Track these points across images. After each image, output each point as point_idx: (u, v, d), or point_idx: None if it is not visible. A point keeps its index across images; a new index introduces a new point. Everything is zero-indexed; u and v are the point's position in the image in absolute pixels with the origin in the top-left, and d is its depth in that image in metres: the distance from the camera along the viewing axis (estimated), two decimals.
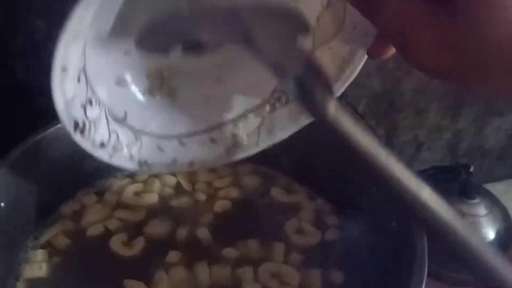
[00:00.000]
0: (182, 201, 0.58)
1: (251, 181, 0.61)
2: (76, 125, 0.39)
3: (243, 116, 0.49)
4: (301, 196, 0.59)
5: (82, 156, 0.53)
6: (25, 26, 0.60)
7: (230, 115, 0.49)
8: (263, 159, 0.59)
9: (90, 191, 0.58)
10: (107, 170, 0.59)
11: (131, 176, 0.60)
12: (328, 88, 0.35)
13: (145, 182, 0.60)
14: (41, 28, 0.60)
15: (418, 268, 0.42)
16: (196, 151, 0.48)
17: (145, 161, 0.47)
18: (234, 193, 0.59)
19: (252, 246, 0.52)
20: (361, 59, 0.43)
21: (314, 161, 0.59)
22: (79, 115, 0.39)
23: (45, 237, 0.52)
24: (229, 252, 0.51)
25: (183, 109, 0.48)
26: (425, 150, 0.93)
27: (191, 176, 0.60)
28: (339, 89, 0.45)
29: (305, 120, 0.47)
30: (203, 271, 0.49)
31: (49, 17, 0.60)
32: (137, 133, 0.46)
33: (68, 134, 0.39)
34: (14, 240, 0.50)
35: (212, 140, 0.49)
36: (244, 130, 0.49)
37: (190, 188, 0.59)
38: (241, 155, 0.49)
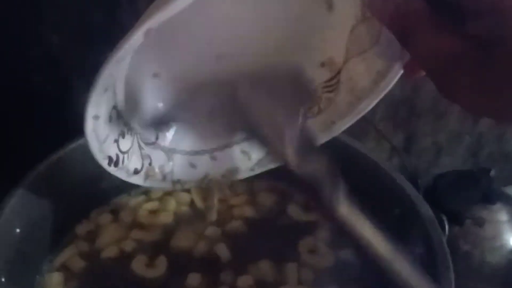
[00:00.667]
0: (196, 220, 0.57)
1: (267, 198, 0.59)
2: (110, 160, 0.40)
3: None
4: (319, 214, 0.58)
5: (100, 175, 0.54)
6: (40, 41, 0.60)
7: None
8: (280, 175, 0.59)
9: (105, 209, 0.58)
10: (121, 187, 0.58)
11: (146, 193, 0.60)
12: (337, 185, 0.34)
13: (160, 199, 0.59)
14: (55, 42, 0.60)
15: None
16: (228, 164, 0.49)
17: (178, 180, 0.48)
18: (249, 211, 0.58)
19: (265, 268, 0.51)
20: (397, 74, 0.42)
21: None
22: (112, 151, 0.40)
23: (60, 260, 0.52)
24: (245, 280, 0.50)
25: (215, 124, 0.48)
26: (445, 155, 0.91)
27: (205, 193, 0.59)
28: (373, 101, 0.44)
29: (337, 129, 0.46)
30: None
31: (64, 30, 0.59)
32: (169, 152, 0.47)
33: (103, 167, 0.39)
34: (30, 264, 0.50)
35: (244, 152, 0.49)
36: None
37: (203, 206, 0.58)
38: (272, 165, 0.49)
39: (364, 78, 0.43)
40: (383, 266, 0.35)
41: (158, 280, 0.50)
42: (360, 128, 0.78)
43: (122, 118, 0.41)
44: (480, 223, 0.74)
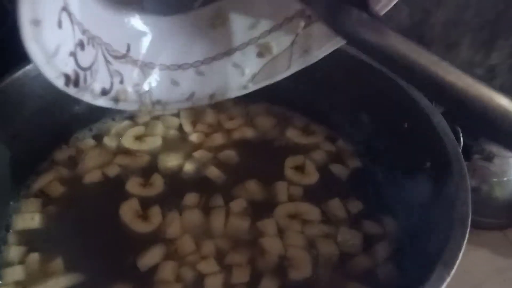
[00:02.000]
0: (186, 145, 0.52)
1: (265, 122, 0.55)
2: (67, 79, 0.32)
3: (271, 33, 0.41)
4: (320, 137, 0.53)
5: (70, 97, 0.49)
6: None
7: (255, 32, 0.41)
8: (278, 98, 0.54)
9: (87, 135, 0.53)
10: (104, 111, 0.53)
11: (131, 118, 0.55)
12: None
13: (146, 124, 0.54)
14: None
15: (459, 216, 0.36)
16: (217, 80, 0.42)
17: (158, 100, 0.41)
18: (246, 134, 0.54)
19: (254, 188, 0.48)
20: None
21: (333, 99, 0.52)
22: (68, 66, 0.32)
23: (37, 185, 0.48)
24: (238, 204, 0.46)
25: (199, 31, 0.41)
26: None
27: (195, 116, 0.55)
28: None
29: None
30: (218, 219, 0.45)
31: None
32: (145, 68, 0.40)
33: (59, 88, 0.32)
34: (3, 189, 0.45)
35: (235, 65, 0.42)
36: (273, 50, 0.42)
37: (191, 130, 0.54)
38: (269, 81, 0.43)
39: None
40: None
41: (154, 199, 0.47)
42: None
43: (80, 24, 0.33)
44: (489, 158, 0.70)
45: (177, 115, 0.55)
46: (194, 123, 0.54)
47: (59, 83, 0.32)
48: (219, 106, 0.55)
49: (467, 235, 0.35)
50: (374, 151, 0.50)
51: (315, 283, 0.41)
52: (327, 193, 0.48)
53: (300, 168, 0.50)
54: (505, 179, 0.69)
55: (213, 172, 0.49)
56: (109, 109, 0.52)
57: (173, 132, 0.53)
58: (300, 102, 0.54)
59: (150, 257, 0.42)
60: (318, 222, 0.46)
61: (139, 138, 0.53)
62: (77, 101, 0.49)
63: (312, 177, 0.49)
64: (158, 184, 0.48)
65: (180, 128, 0.54)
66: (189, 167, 0.50)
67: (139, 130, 0.53)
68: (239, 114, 0.55)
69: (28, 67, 0.45)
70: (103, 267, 0.42)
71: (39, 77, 0.45)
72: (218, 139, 0.53)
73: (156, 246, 0.43)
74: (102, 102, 0.37)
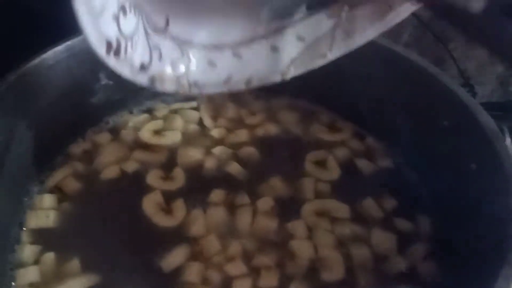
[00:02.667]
0: (207, 140, 0.50)
1: (288, 117, 0.52)
2: (109, 46, 0.30)
3: (312, 15, 0.38)
4: (347, 134, 0.51)
5: (88, 86, 0.47)
6: None
7: (296, 15, 0.39)
8: (302, 92, 0.52)
9: (103, 128, 0.51)
10: (121, 104, 0.51)
11: (149, 111, 0.52)
12: None
13: (165, 118, 0.52)
14: None
15: None
16: (255, 64, 0.39)
17: (195, 82, 0.38)
18: (271, 129, 0.51)
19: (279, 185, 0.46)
20: None
21: (363, 92, 0.50)
22: (111, 31, 0.30)
23: (52, 181, 0.45)
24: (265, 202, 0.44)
25: (238, 9, 0.38)
26: (474, 84, 0.83)
27: (216, 111, 0.52)
28: None
29: (394, 17, 0.37)
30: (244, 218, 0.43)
31: None
32: (183, 46, 0.38)
33: (100, 58, 0.30)
34: (16, 184, 0.43)
35: (274, 49, 0.39)
36: (313, 34, 0.39)
37: (213, 125, 0.52)
38: (308, 67, 0.40)
39: None
40: None
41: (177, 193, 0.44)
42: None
43: None
44: None
45: (196, 108, 0.52)
46: (214, 118, 0.52)
47: (101, 50, 0.30)
48: (239, 100, 0.53)
49: None
50: (409, 151, 0.48)
51: (350, 286, 0.39)
52: (357, 190, 0.46)
53: (321, 163, 0.48)
54: None
55: (235, 168, 0.47)
56: (126, 102, 0.52)
57: (193, 127, 0.51)
58: (326, 96, 0.52)
59: (174, 257, 0.40)
60: (348, 221, 0.43)
61: (157, 132, 0.50)
62: (93, 92, 0.48)
63: (333, 172, 0.47)
64: (179, 178, 0.46)
65: (200, 122, 0.52)
66: (210, 163, 0.47)
67: (157, 124, 0.51)
68: (260, 109, 0.53)
69: (44, 56, 0.43)
70: (122, 267, 0.40)
71: (55, 66, 0.44)
72: (241, 135, 0.50)
73: (180, 246, 0.41)
74: (140, 78, 0.34)
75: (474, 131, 0.39)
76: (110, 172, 0.46)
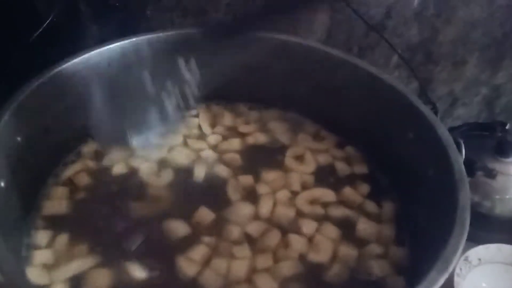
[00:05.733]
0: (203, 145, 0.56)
1: (277, 127, 0.58)
2: None
3: None
4: (330, 143, 0.57)
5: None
6: None
7: None
8: (291, 104, 0.57)
9: None
10: None
11: None
12: None
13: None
14: None
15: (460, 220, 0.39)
16: None
17: None
18: (260, 138, 0.57)
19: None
20: None
21: (344, 107, 0.56)
22: None
23: (66, 175, 0.51)
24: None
25: None
26: (460, 105, 0.88)
27: (214, 119, 0.59)
28: None
29: None
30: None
31: None
32: None
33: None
34: (34, 176, 0.49)
35: None
36: None
37: (210, 132, 0.58)
38: None
39: None
40: None
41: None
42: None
43: None
44: (492, 175, 0.72)
45: (196, 116, 0.59)
46: (212, 125, 0.58)
47: None
48: (235, 110, 0.60)
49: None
50: (381, 158, 0.54)
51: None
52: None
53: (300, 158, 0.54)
54: (507, 196, 0.71)
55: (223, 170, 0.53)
56: None
57: (194, 132, 0.57)
58: (312, 109, 0.58)
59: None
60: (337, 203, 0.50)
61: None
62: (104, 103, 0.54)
63: (310, 165, 0.53)
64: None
65: (199, 128, 0.58)
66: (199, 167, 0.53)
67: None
68: (254, 119, 0.59)
69: (64, 66, 0.49)
70: (125, 248, 0.45)
71: (73, 77, 0.50)
72: (234, 143, 0.56)
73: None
74: None
75: (432, 142, 0.45)
76: (117, 168, 0.52)
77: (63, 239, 0.46)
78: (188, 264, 0.44)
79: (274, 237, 0.46)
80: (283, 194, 0.50)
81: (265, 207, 0.49)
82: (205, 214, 0.48)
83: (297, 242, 0.46)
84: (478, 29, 0.78)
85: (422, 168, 0.46)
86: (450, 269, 0.35)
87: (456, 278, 0.63)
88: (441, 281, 0.34)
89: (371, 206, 0.50)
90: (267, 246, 0.46)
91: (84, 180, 0.51)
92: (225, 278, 0.43)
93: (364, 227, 0.48)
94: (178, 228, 0.47)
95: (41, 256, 0.45)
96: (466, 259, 0.66)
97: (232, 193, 0.50)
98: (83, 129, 0.54)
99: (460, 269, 0.64)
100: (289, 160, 0.54)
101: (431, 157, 0.45)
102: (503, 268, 0.68)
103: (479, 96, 0.88)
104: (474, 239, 0.68)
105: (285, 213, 0.49)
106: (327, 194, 0.51)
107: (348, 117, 0.55)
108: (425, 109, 0.47)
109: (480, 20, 0.76)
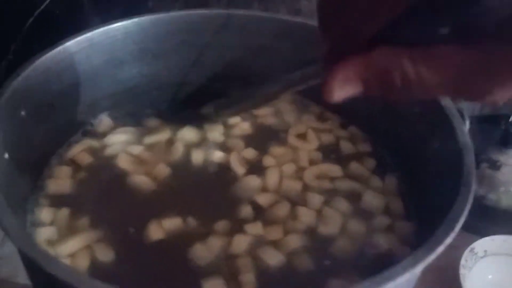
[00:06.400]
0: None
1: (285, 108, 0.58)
2: None
3: None
4: (333, 123, 0.57)
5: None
6: None
7: None
8: None
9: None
10: None
11: None
12: None
13: None
14: None
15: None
16: None
17: None
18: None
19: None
20: None
21: None
22: None
23: (68, 155, 0.51)
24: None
25: None
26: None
27: None
28: None
29: None
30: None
31: None
32: None
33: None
34: (37, 153, 0.49)
35: None
36: None
37: None
38: None
39: None
40: None
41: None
42: None
43: None
44: (496, 166, 0.72)
45: None
46: None
47: None
48: None
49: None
50: (386, 137, 0.53)
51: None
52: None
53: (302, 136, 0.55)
54: None
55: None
56: None
57: None
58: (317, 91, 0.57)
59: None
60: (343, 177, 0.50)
61: None
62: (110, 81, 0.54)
63: (313, 143, 0.54)
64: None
65: None
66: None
67: None
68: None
69: (67, 43, 0.49)
70: (125, 223, 0.45)
71: (78, 53, 0.50)
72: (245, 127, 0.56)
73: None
74: None
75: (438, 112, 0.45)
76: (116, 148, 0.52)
77: (66, 215, 0.46)
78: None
79: (284, 208, 0.46)
80: (289, 168, 0.50)
81: (272, 179, 0.49)
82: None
83: (305, 215, 0.46)
84: None
85: (427, 142, 0.46)
86: (457, 229, 0.34)
87: (462, 270, 0.62)
88: (448, 240, 0.34)
89: (377, 181, 0.50)
90: (277, 217, 0.46)
91: (86, 159, 0.51)
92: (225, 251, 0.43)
93: (371, 200, 0.47)
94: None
95: (45, 232, 0.45)
96: (472, 251, 0.65)
97: (238, 168, 0.50)
98: (88, 107, 0.54)
99: (466, 260, 0.64)
100: (292, 139, 0.54)
101: (436, 130, 0.45)
102: (509, 259, 0.68)
103: None
104: (480, 232, 0.68)
105: (292, 186, 0.49)
106: (333, 169, 0.51)
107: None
108: None
109: None
